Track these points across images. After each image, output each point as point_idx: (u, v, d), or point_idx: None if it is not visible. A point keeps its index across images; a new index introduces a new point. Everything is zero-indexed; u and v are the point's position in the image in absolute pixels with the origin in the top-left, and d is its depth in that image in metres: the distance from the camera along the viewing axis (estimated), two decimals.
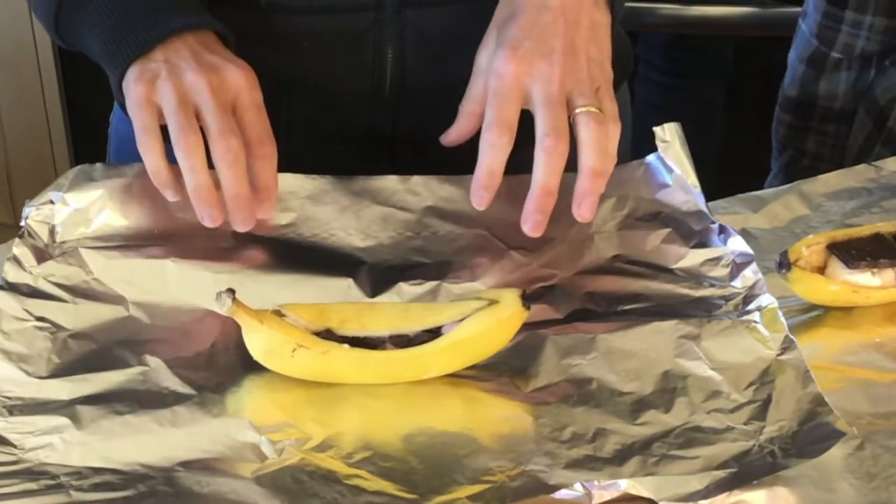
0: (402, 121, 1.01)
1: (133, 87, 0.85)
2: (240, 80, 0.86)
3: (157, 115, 0.85)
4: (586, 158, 0.84)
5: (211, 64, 0.86)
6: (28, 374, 0.77)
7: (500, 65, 0.86)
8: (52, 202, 0.88)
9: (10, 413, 0.74)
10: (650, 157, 0.95)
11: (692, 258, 0.89)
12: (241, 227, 0.85)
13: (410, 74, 1.00)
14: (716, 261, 0.88)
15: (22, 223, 0.88)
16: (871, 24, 1.34)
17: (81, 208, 0.89)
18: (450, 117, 0.89)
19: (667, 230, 0.91)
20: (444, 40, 0.98)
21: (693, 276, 0.88)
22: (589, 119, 0.85)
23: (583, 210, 0.85)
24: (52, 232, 0.88)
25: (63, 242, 0.87)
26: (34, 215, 0.88)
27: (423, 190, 0.94)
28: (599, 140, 0.85)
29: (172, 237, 0.89)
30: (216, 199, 0.84)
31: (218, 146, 0.83)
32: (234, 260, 0.88)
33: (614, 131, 0.86)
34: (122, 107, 0.88)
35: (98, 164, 0.91)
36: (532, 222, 0.84)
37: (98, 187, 0.89)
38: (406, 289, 0.87)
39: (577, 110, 0.85)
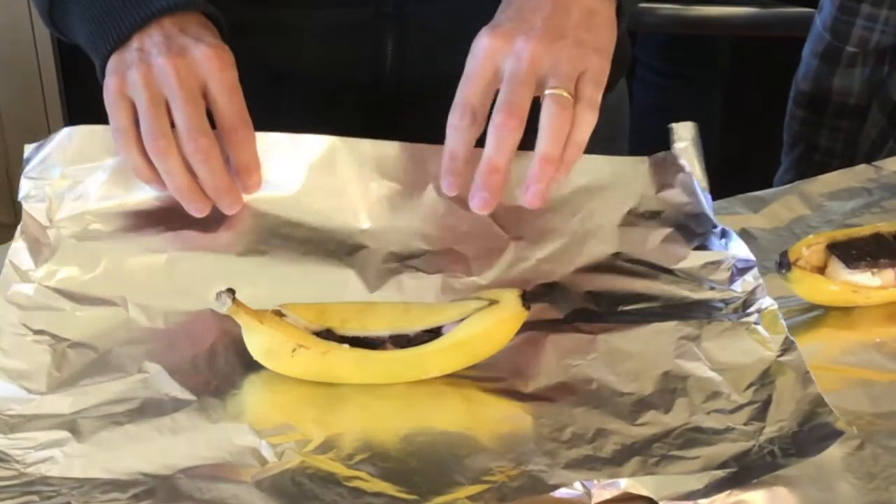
0: (403, 113, 1.01)
1: (108, 80, 0.86)
2: (209, 60, 0.84)
3: (131, 111, 0.85)
4: (540, 143, 0.82)
5: (180, 47, 0.85)
6: (28, 391, 0.77)
7: (476, 44, 0.84)
8: (46, 179, 0.87)
9: (12, 430, 0.74)
10: (656, 155, 0.95)
11: (693, 260, 0.89)
12: (230, 211, 0.87)
13: (410, 67, 0.99)
14: (716, 264, 0.88)
15: (20, 197, 0.87)
16: (888, 17, 1.34)
17: (78, 181, 0.88)
18: (449, 109, 0.88)
19: (668, 230, 0.91)
20: (445, 33, 0.98)
21: (693, 278, 0.88)
22: (552, 102, 0.82)
23: (528, 196, 0.82)
24: (49, 209, 0.87)
25: (61, 220, 0.87)
26: (31, 192, 0.87)
27: (431, 164, 0.91)
28: (558, 126, 0.82)
29: (173, 210, 0.87)
30: (199, 193, 0.85)
31: (187, 147, 0.84)
32: (234, 252, 0.87)
33: (586, 119, 0.83)
34: None
35: (98, 128, 0.89)
36: (478, 199, 0.82)
37: (96, 158, 0.88)
38: (406, 283, 0.86)
39: (546, 91, 0.82)
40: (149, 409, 0.76)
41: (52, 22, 0.94)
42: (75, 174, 0.88)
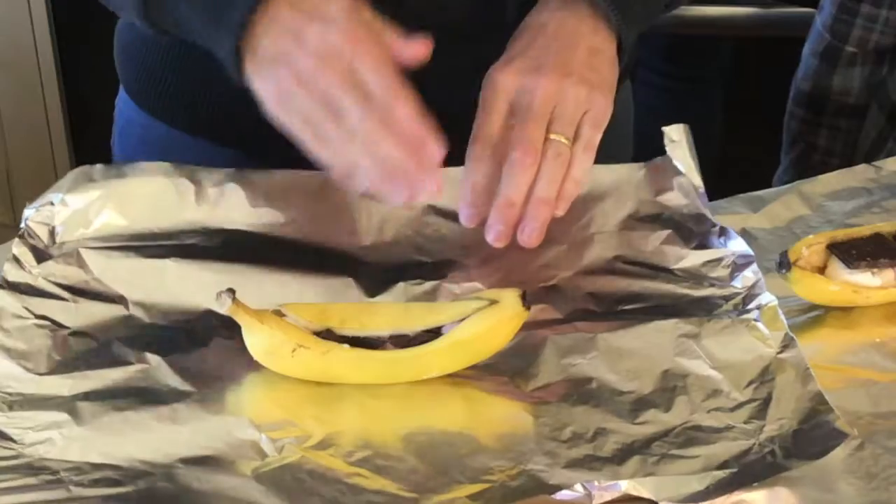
0: None
1: (265, 95, 0.83)
2: (348, 46, 0.81)
3: (301, 118, 0.82)
4: (536, 187, 0.85)
5: (319, 41, 0.81)
6: (28, 370, 0.77)
7: (490, 77, 0.86)
8: (51, 203, 0.88)
9: (10, 408, 0.74)
10: (654, 160, 0.95)
11: (692, 259, 0.89)
12: (432, 187, 0.82)
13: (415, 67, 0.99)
14: (716, 262, 0.88)
15: (22, 225, 0.88)
16: (887, 18, 1.34)
17: (81, 209, 0.88)
18: (454, 111, 0.88)
19: (667, 231, 0.91)
20: (445, 29, 0.98)
21: (693, 277, 0.88)
22: (550, 149, 0.85)
23: (524, 236, 0.86)
24: (51, 233, 0.87)
25: (63, 243, 0.87)
26: (34, 216, 0.88)
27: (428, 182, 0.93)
28: (553, 172, 0.85)
29: (172, 236, 0.89)
30: (402, 171, 0.81)
31: (368, 140, 0.80)
32: (234, 260, 0.88)
33: (582, 159, 0.86)
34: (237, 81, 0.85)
35: (98, 165, 0.91)
36: (494, 232, 0.85)
37: (97, 188, 0.89)
38: (406, 288, 0.87)
39: (549, 135, 0.85)
40: (149, 397, 0.76)
41: (146, 9, 0.89)
42: (75, 202, 0.89)
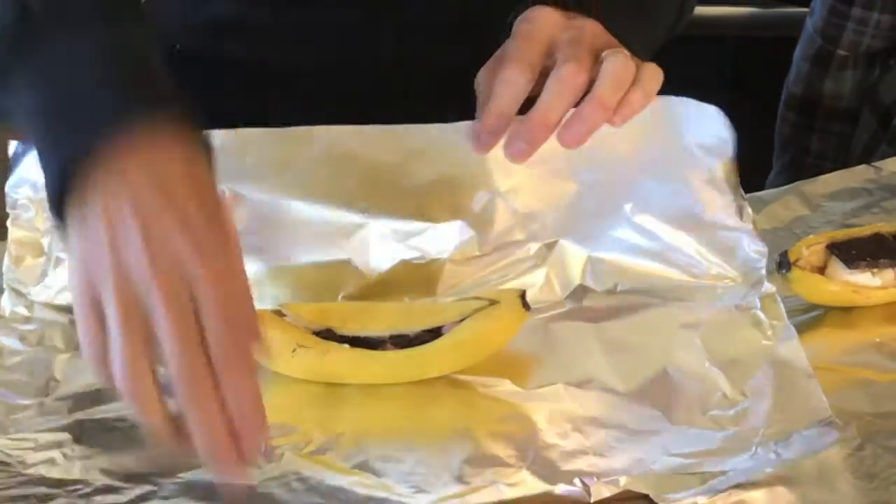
0: (403, 113, 1.01)
1: (74, 265, 0.64)
2: (199, 265, 0.62)
3: (102, 325, 0.62)
4: (597, 86, 0.73)
5: (160, 237, 0.61)
6: (29, 395, 0.77)
7: (532, 11, 0.78)
8: (27, 187, 0.86)
9: (11, 431, 0.74)
10: (701, 105, 0.90)
11: (703, 232, 0.87)
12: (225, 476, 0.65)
13: (410, 65, 0.99)
14: (725, 245, 0.87)
15: (7, 209, 0.86)
16: (878, 21, 1.34)
17: None
18: (451, 108, 0.87)
19: (687, 192, 0.88)
20: (444, 31, 0.97)
21: (698, 259, 0.87)
22: (616, 55, 0.75)
23: (566, 136, 0.74)
24: (37, 218, 0.86)
25: (50, 228, 0.85)
26: (16, 204, 0.86)
27: (433, 134, 0.88)
28: (621, 74, 0.74)
29: None
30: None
31: (179, 392, 0.62)
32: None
33: (654, 74, 0.76)
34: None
35: None
36: (516, 149, 0.74)
37: None
38: (408, 266, 0.86)
39: (608, 51, 0.75)
40: None
41: None
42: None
